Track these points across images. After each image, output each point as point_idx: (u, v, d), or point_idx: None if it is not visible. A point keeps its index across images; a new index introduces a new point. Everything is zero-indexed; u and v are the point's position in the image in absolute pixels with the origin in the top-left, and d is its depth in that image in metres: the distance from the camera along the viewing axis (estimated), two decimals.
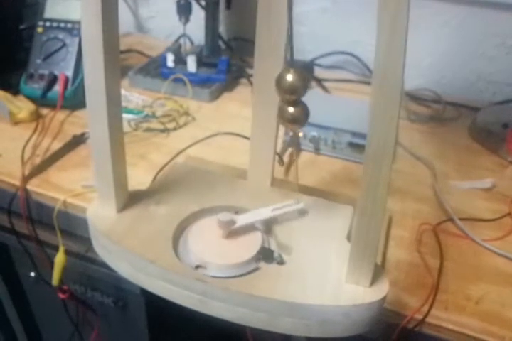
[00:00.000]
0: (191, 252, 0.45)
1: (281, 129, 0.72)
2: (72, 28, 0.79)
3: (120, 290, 0.74)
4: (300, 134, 0.72)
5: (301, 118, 0.40)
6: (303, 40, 1.01)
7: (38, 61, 0.80)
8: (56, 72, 0.78)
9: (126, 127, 0.74)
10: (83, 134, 0.72)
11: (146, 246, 0.44)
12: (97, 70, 0.40)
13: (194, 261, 0.44)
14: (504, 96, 0.90)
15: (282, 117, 0.41)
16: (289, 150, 0.73)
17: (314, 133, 0.71)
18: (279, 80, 0.39)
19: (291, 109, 0.40)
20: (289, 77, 0.38)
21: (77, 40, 0.79)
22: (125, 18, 1.15)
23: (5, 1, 0.84)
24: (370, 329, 0.42)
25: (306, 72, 0.37)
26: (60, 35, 0.80)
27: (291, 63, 0.39)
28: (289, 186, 0.57)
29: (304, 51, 1.01)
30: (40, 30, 0.81)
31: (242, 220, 0.46)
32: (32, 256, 0.71)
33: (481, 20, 0.88)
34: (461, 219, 0.60)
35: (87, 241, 0.51)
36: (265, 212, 0.48)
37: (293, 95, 0.39)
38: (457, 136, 0.81)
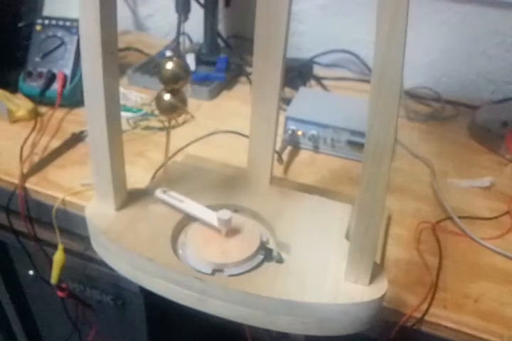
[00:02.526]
0: (190, 250, 0.45)
1: (281, 127, 0.72)
2: (71, 26, 0.79)
3: (119, 289, 0.74)
4: (299, 133, 0.72)
5: (178, 106, 0.42)
6: (302, 39, 1.01)
7: (37, 59, 0.79)
8: (55, 70, 0.78)
9: (124, 125, 0.74)
10: (82, 132, 0.72)
11: (145, 245, 0.44)
12: (95, 68, 0.40)
13: (193, 260, 0.44)
14: (503, 95, 0.90)
15: (159, 105, 0.43)
16: (288, 148, 0.73)
17: (313, 131, 0.71)
18: (161, 69, 0.41)
19: (167, 97, 0.42)
20: (169, 66, 0.41)
21: (75, 38, 0.79)
22: (124, 16, 1.14)
23: None
24: (369, 327, 0.42)
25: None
26: (59, 33, 0.79)
27: (177, 54, 0.41)
28: (288, 184, 0.57)
29: (303, 49, 1.01)
30: (38, 28, 0.80)
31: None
32: (31, 255, 0.71)
33: (480, 18, 0.87)
34: (460, 217, 0.60)
35: (85, 239, 0.51)
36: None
37: (172, 84, 0.41)
38: (456, 134, 0.80)
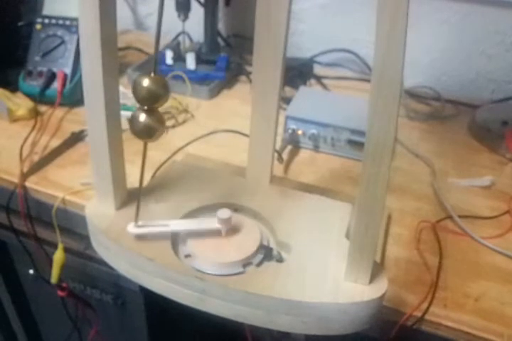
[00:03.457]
0: (190, 250, 0.45)
1: (281, 127, 0.72)
2: (71, 25, 0.79)
3: (119, 288, 0.74)
4: (300, 132, 0.72)
5: (155, 128, 0.37)
6: (302, 38, 1.01)
7: (37, 58, 0.79)
8: (55, 69, 0.78)
9: (124, 124, 0.74)
10: (82, 131, 0.72)
11: (145, 244, 0.44)
12: (95, 68, 0.40)
13: (193, 259, 0.44)
14: (503, 94, 0.90)
15: (133, 128, 0.37)
16: (289, 147, 0.73)
17: (314, 130, 0.71)
18: (136, 85, 0.35)
19: (142, 117, 0.36)
20: (146, 83, 0.35)
21: (75, 37, 0.79)
22: (124, 15, 1.14)
23: None
24: (369, 326, 0.42)
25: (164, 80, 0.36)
26: (59, 32, 0.79)
27: (154, 70, 0.35)
28: (289, 183, 0.57)
29: (304, 49, 1.01)
30: (38, 27, 0.80)
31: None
32: (31, 254, 0.71)
33: (480, 17, 0.87)
34: (460, 216, 0.60)
35: (85, 238, 0.51)
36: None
37: (149, 103, 0.36)
38: (456, 133, 0.80)
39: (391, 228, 0.59)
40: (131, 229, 0.44)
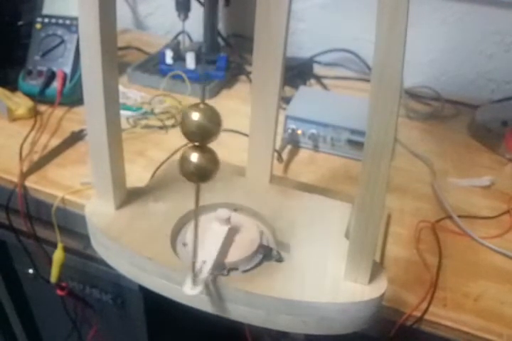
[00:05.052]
0: (189, 249, 0.45)
1: (280, 126, 0.72)
2: (71, 25, 0.79)
3: (118, 287, 0.74)
4: (299, 132, 0.72)
5: (208, 170, 0.33)
6: (302, 37, 1.01)
7: (36, 57, 0.79)
8: (54, 69, 0.78)
9: (124, 124, 0.74)
10: (81, 131, 0.72)
11: (145, 243, 0.44)
12: (94, 67, 0.40)
13: (192, 258, 0.44)
14: (503, 94, 0.90)
15: (182, 168, 0.33)
16: (288, 147, 0.73)
17: (313, 130, 0.71)
18: (184, 118, 0.32)
19: (194, 157, 0.32)
20: (196, 116, 0.31)
21: (75, 36, 0.79)
22: (123, 15, 1.14)
23: None
24: (369, 326, 0.42)
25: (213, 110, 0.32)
26: (59, 32, 0.79)
27: (202, 95, 0.31)
28: (288, 183, 0.57)
29: (303, 48, 1.01)
30: (38, 26, 0.80)
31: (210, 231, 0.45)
32: (30, 253, 0.71)
33: (480, 17, 0.87)
34: (459, 216, 0.60)
35: (85, 238, 0.51)
36: (203, 253, 0.42)
37: (200, 139, 0.32)
38: (456, 133, 0.81)
39: (391, 228, 0.59)
40: (189, 290, 0.39)
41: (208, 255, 0.42)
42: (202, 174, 0.33)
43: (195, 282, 0.39)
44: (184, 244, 0.45)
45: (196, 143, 0.32)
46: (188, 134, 0.32)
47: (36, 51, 0.80)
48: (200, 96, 0.83)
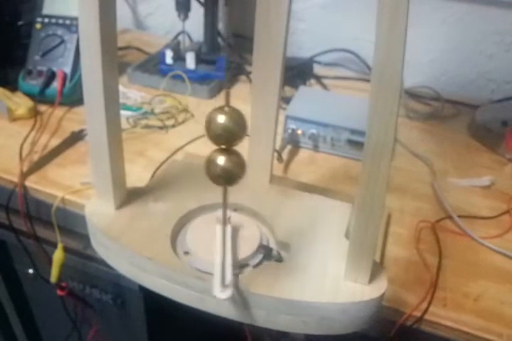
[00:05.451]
0: (190, 249, 0.45)
1: (280, 126, 0.72)
2: (71, 25, 0.79)
3: (119, 287, 0.74)
4: (299, 132, 0.72)
5: (235, 172, 0.33)
6: (302, 37, 1.01)
7: (37, 57, 0.79)
8: (54, 69, 0.78)
9: (124, 124, 0.74)
10: (81, 131, 0.72)
11: (145, 243, 0.44)
12: (94, 67, 0.40)
13: (192, 258, 0.44)
14: (503, 94, 0.90)
15: (209, 170, 0.33)
16: (288, 147, 0.73)
17: (313, 130, 0.71)
18: (209, 122, 0.32)
19: (221, 160, 0.32)
20: (222, 119, 0.31)
21: (75, 36, 0.79)
22: (123, 15, 1.14)
23: None
24: (369, 326, 0.42)
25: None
26: (59, 32, 0.79)
27: (227, 99, 0.31)
28: (288, 183, 0.57)
29: (304, 48, 1.01)
30: (38, 26, 0.80)
31: (218, 234, 0.44)
32: (30, 253, 0.71)
33: (480, 17, 0.87)
34: (459, 216, 0.60)
35: (85, 238, 0.51)
36: (220, 256, 0.42)
37: (225, 142, 0.32)
38: (456, 133, 0.81)
39: (391, 228, 0.59)
40: (220, 293, 0.39)
41: (224, 257, 0.42)
42: (229, 177, 0.33)
43: (223, 285, 0.38)
44: (186, 253, 0.45)
45: (223, 146, 0.32)
46: (215, 137, 0.32)
47: (36, 51, 0.80)
48: (199, 95, 0.84)
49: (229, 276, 0.39)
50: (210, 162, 0.33)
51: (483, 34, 0.89)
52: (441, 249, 0.56)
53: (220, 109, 0.31)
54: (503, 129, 0.76)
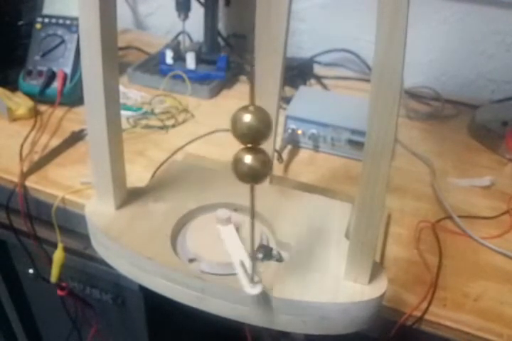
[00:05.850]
0: (190, 249, 0.45)
1: (280, 126, 0.72)
2: (71, 25, 0.79)
3: (119, 287, 0.74)
4: (299, 132, 0.72)
5: (261, 171, 0.33)
6: (302, 37, 1.01)
7: (37, 57, 0.79)
8: (55, 69, 0.78)
9: (124, 124, 0.74)
10: (82, 131, 0.72)
11: (145, 243, 0.44)
12: (95, 67, 0.40)
13: (192, 258, 0.44)
14: (503, 94, 0.90)
15: (236, 169, 0.33)
16: (288, 147, 0.73)
17: (313, 130, 0.71)
18: (235, 121, 0.32)
19: (248, 159, 0.32)
20: (247, 118, 0.31)
21: (75, 36, 0.79)
22: (124, 15, 1.14)
23: None
24: (369, 326, 0.42)
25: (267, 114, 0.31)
26: (59, 32, 0.79)
27: (252, 98, 0.31)
28: (288, 183, 0.57)
29: (304, 48, 1.01)
30: (38, 26, 0.80)
31: (223, 235, 0.45)
32: (30, 253, 0.71)
33: (480, 17, 0.87)
34: (459, 216, 0.60)
35: (85, 238, 0.51)
36: (238, 253, 0.43)
37: (251, 141, 0.32)
38: (456, 133, 0.80)
39: (391, 228, 0.59)
40: (251, 289, 0.39)
41: (239, 254, 0.42)
42: (255, 175, 0.33)
43: (252, 281, 0.39)
44: (191, 260, 0.45)
45: (249, 145, 0.33)
46: (241, 136, 0.32)
47: (36, 51, 0.80)
48: (200, 95, 0.84)
49: (254, 272, 0.40)
50: (237, 161, 0.33)
51: (484, 34, 0.89)
52: (441, 249, 0.56)
53: (245, 108, 0.31)
54: (503, 129, 0.76)
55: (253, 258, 0.40)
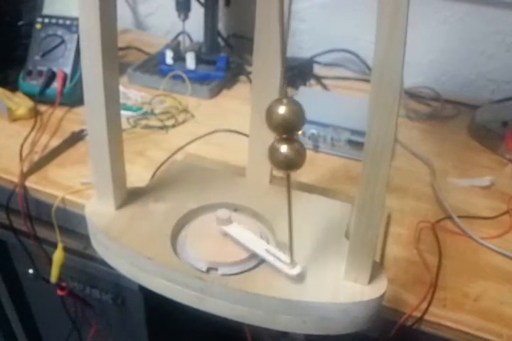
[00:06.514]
0: (189, 249, 0.45)
1: None
2: (71, 25, 0.79)
3: (118, 287, 0.74)
4: (299, 132, 0.72)
5: (297, 160, 0.34)
6: (302, 38, 1.01)
7: (37, 58, 0.79)
8: (55, 69, 0.78)
9: (124, 124, 0.74)
10: (82, 131, 0.72)
11: (145, 243, 0.44)
12: (95, 67, 0.40)
13: (192, 259, 0.44)
14: (503, 94, 0.90)
15: (273, 159, 0.34)
16: None
17: (313, 130, 0.71)
18: (270, 113, 0.33)
19: (284, 149, 0.34)
20: (282, 110, 0.32)
21: (75, 36, 0.79)
22: (124, 15, 1.14)
23: None
24: (369, 326, 0.42)
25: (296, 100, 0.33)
26: (59, 32, 0.79)
27: (284, 92, 0.33)
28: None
29: (304, 48, 1.01)
30: (38, 26, 0.80)
31: (236, 234, 0.45)
32: (30, 253, 0.71)
33: (480, 17, 0.87)
34: (459, 216, 0.60)
35: (85, 238, 0.51)
36: (258, 245, 0.44)
37: (287, 132, 0.34)
38: (456, 133, 0.81)
39: (391, 228, 0.59)
40: (291, 270, 0.41)
41: (260, 244, 0.44)
42: (290, 164, 0.35)
43: (290, 263, 0.41)
44: (186, 254, 0.45)
45: (284, 136, 0.34)
46: (276, 128, 0.33)
47: (36, 51, 0.80)
48: (200, 95, 0.84)
49: (292, 254, 0.41)
50: (273, 150, 0.35)
51: (484, 34, 0.89)
52: (441, 249, 0.56)
53: (279, 101, 0.33)
54: (503, 129, 0.76)
55: (290, 240, 0.41)
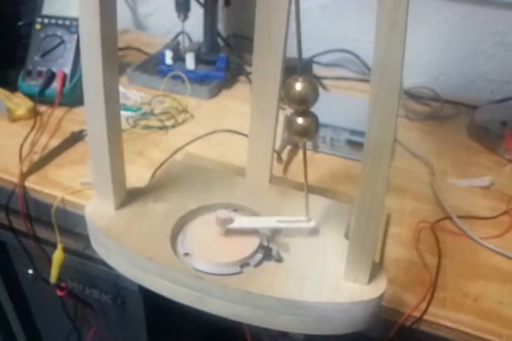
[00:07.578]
0: (189, 249, 0.45)
1: (280, 127, 0.72)
2: (71, 25, 0.79)
3: (118, 288, 0.74)
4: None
5: (311, 129, 0.40)
6: (302, 38, 1.00)
7: (36, 58, 0.79)
8: (54, 69, 0.78)
9: (124, 124, 0.74)
10: (81, 131, 0.72)
11: (144, 244, 0.44)
12: (95, 67, 0.40)
13: (192, 259, 0.44)
14: (503, 94, 0.90)
15: (290, 129, 0.40)
16: (288, 147, 0.73)
17: None
18: (288, 89, 0.38)
19: (300, 120, 0.39)
20: (298, 86, 0.37)
21: (75, 36, 0.79)
22: (123, 15, 1.14)
23: None
24: (368, 326, 0.42)
25: (311, 76, 0.38)
26: (59, 32, 0.79)
27: (300, 70, 0.38)
28: (288, 183, 0.57)
29: (303, 48, 1.00)
30: (38, 26, 0.80)
31: (242, 223, 0.46)
32: (30, 254, 0.71)
33: (480, 17, 0.87)
34: (459, 217, 0.60)
35: (85, 238, 0.51)
36: (268, 222, 0.48)
37: (302, 105, 0.38)
38: (455, 134, 0.81)
39: (390, 228, 0.59)
40: (308, 224, 0.47)
41: (271, 220, 0.47)
42: (306, 133, 0.40)
43: (306, 218, 0.47)
44: (186, 254, 0.45)
45: (299, 109, 0.39)
46: (293, 101, 0.38)
47: (36, 51, 0.80)
48: (199, 95, 0.84)
49: (308, 210, 0.46)
50: (290, 122, 0.40)
51: (483, 34, 0.89)
52: (440, 249, 0.56)
53: (295, 79, 0.38)
54: (503, 130, 0.76)
55: (306, 198, 0.45)
